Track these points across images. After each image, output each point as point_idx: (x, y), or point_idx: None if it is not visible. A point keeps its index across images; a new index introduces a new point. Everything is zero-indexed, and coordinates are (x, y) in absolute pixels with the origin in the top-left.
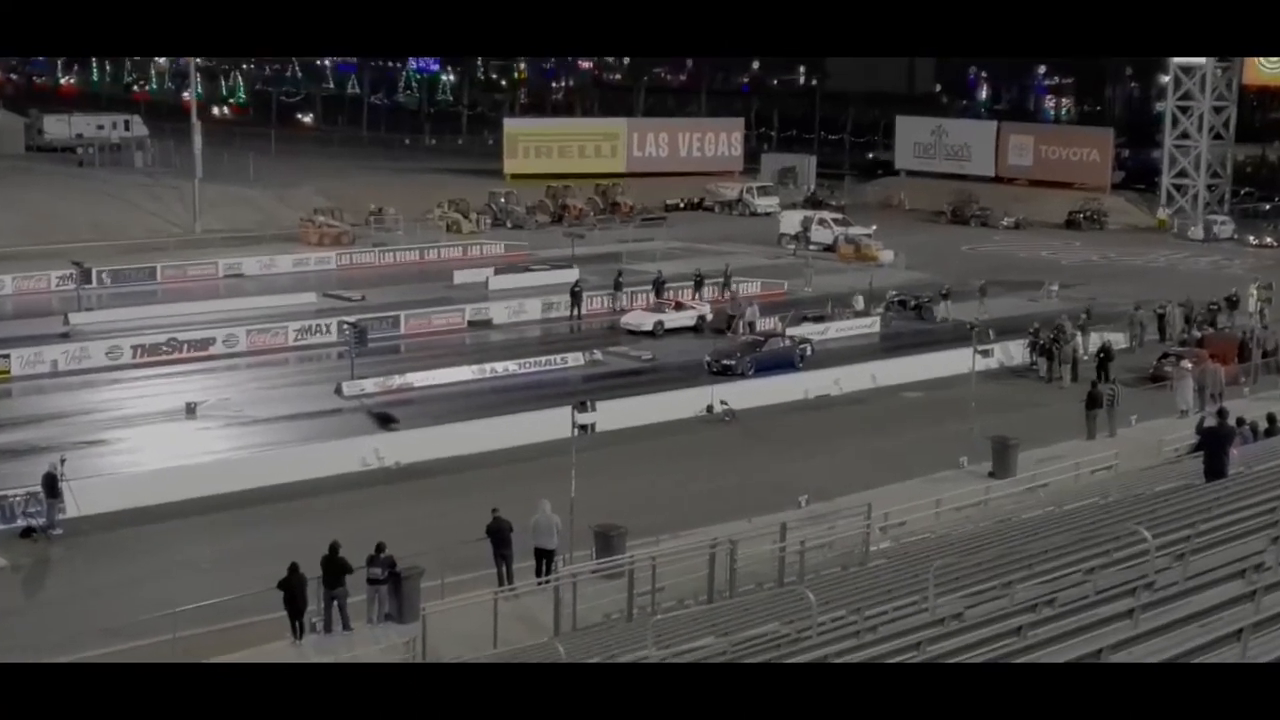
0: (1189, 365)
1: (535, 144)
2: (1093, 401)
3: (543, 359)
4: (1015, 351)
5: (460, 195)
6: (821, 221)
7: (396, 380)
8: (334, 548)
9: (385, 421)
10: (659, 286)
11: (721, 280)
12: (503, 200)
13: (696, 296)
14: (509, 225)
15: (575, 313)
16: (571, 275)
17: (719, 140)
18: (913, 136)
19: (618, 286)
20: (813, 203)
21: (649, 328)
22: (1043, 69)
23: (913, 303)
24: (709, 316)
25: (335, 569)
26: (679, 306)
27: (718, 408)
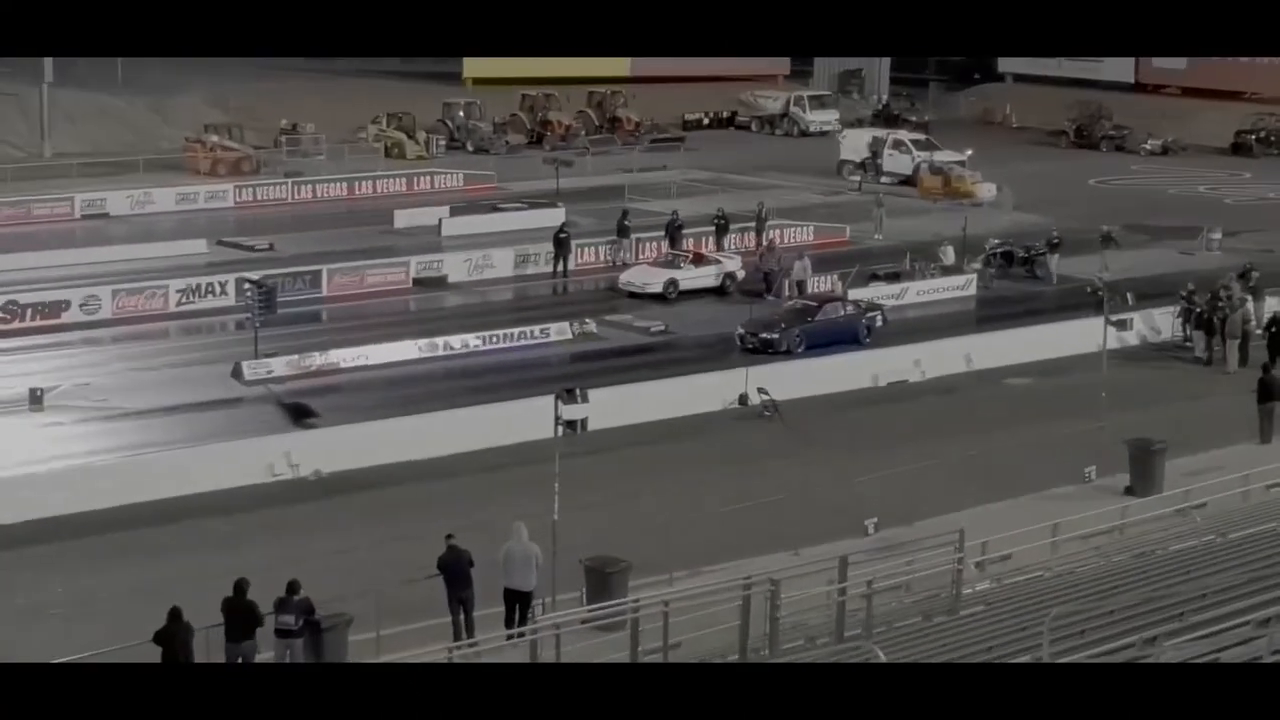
0: None
1: None
2: (1267, 392)
3: (515, 331)
4: (1161, 324)
5: (404, 107)
6: (897, 144)
7: (316, 359)
8: (240, 588)
9: (301, 415)
10: (674, 232)
11: (754, 225)
12: (461, 114)
13: (720, 247)
14: (470, 148)
15: (560, 268)
16: (556, 217)
17: None
18: None
19: (622, 232)
20: (886, 119)
21: (658, 289)
22: None
23: (1022, 255)
24: (740, 274)
25: (241, 617)
26: (699, 260)
27: (754, 398)
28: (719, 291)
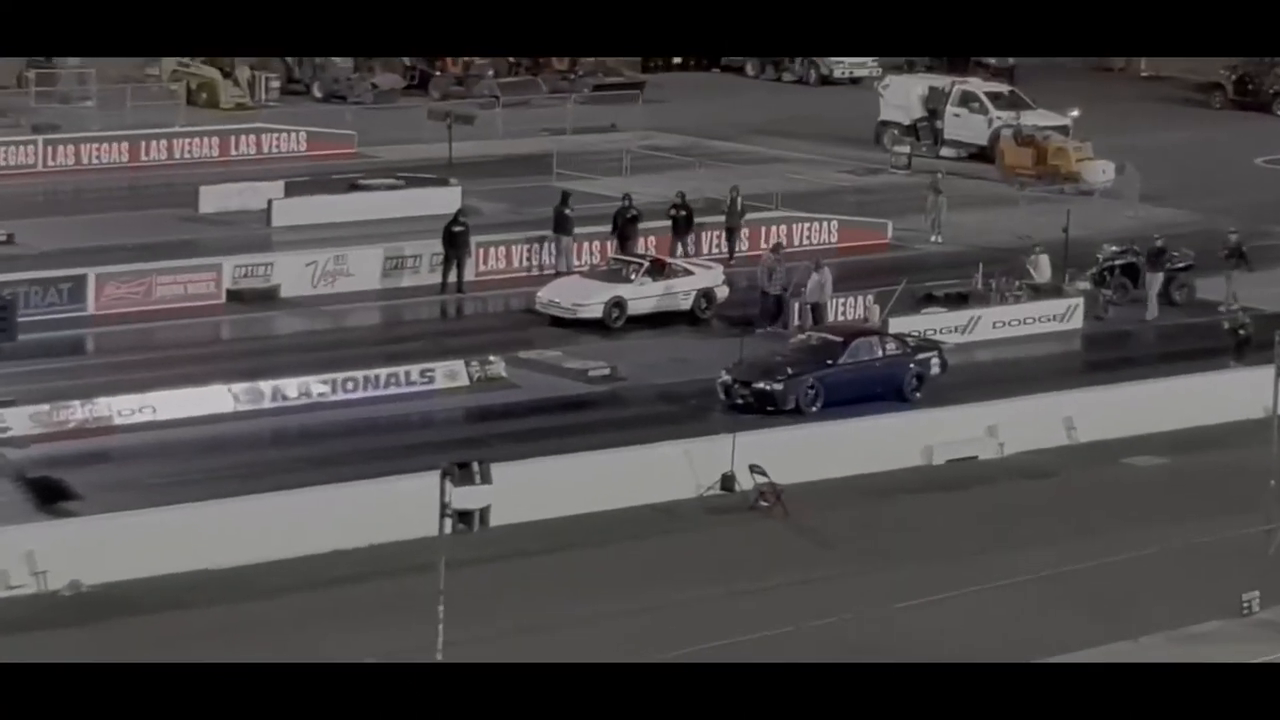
0: None
1: None
2: None
3: (383, 374)
4: None
5: None
6: (967, 99)
7: (76, 412)
8: None
9: (52, 497)
10: (625, 226)
11: (724, 220)
12: None
13: (688, 250)
14: (317, 93)
15: (454, 278)
16: (448, 200)
17: None
18: None
19: (562, 225)
20: (949, 61)
21: (595, 312)
22: None
23: (1168, 268)
24: (722, 291)
25: None
26: (659, 269)
27: (745, 481)
28: (690, 318)
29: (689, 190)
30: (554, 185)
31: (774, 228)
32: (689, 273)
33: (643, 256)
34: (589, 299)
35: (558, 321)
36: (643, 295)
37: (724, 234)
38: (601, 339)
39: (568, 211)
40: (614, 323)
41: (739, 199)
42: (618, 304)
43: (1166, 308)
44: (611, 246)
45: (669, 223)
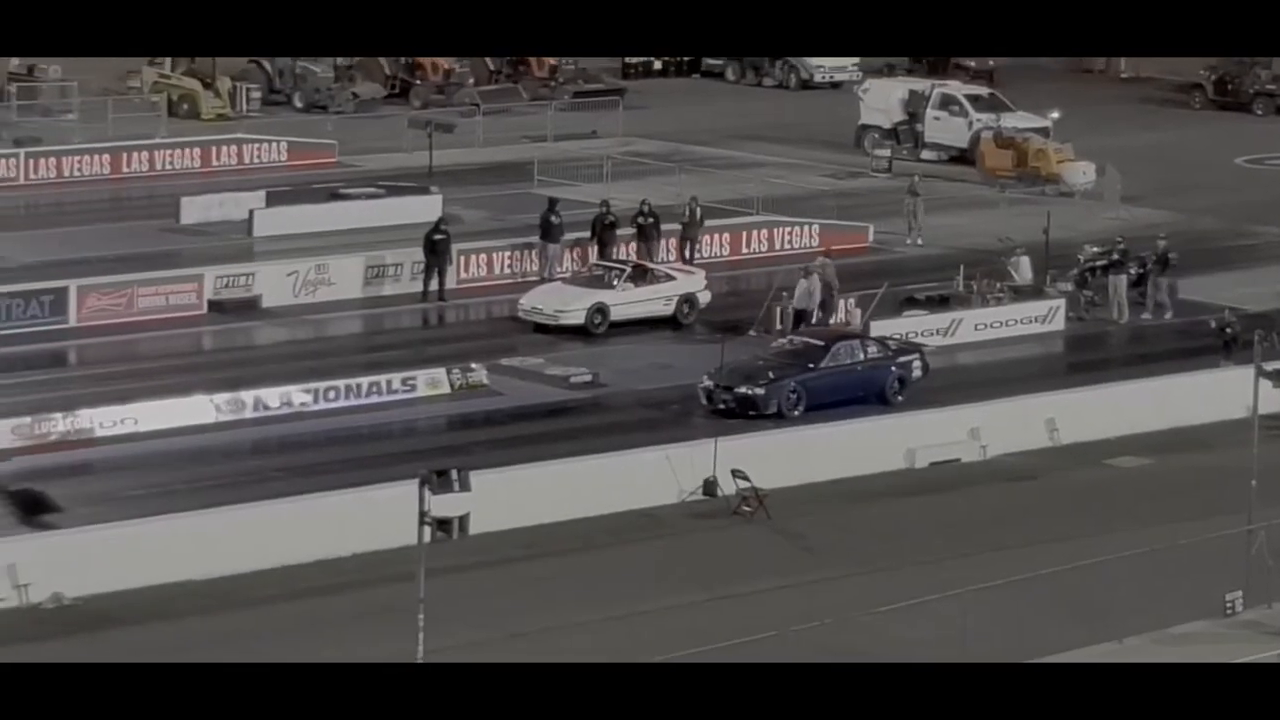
0: None
1: None
2: None
3: (365, 383)
4: None
5: None
6: (947, 102)
7: (58, 424)
8: None
9: (33, 510)
10: (604, 233)
11: (682, 221)
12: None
13: (653, 255)
14: (298, 103)
15: (435, 285)
16: (429, 208)
17: None
18: None
19: (549, 232)
20: (929, 64)
21: (578, 318)
22: None
23: (1134, 270)
24: (703, 296)
25: None
26: (641, 275)
27: (727, 486)
28: (673, 323)
29: (672, 197)
30: (535, 192)
31: (755, 231)
32: (671, 278)
33: (625, 262)
34: (571, 305)
35: (540, 328)
36: (625, 301)
37: (680, 242)
38: (583, 345)
39: (554, 219)
40: (596, 328)
41: (698, 208)
42: (600, 310)
43: (1138, 307)
44: (592, 253)
45: (633, 229)
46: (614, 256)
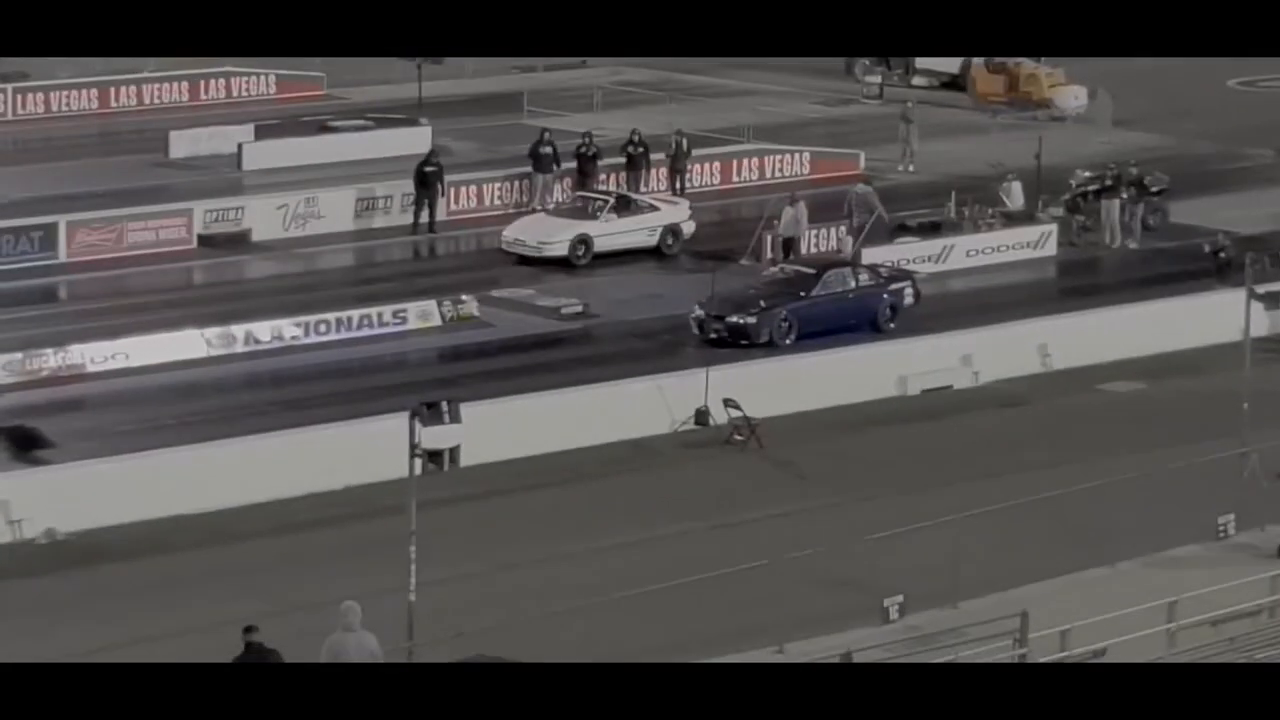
0: None
1: None
2: None
3: (355, 316)
4: None
5: None
6: None
7: (49, 360)
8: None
9: (26, 445)
10: (587, 164)
11: (668, 153)
12: None
13: (640, 186)
14: None
15: (426, 218)
16: (419, 140)
17: None
18: None
19: (541, 163)
20: None
21: (561, 249)
22: None
23: (1133, 193)
24: (688, 227)
25: None
26: (624, 205)
27: (719, 415)
28: (656, 254)
29: (663, 126)
30: (526, 123)
31: (746, 160)
32: (655, 208)
33: (608, 193)
34: (554, 237)
35: (524, 260)
36: (609, 232)
37: (670, 174)
38: (573, 276)
39: (544, 150)
40: (579, 260)
41: (684, 140)
42: (583, 241)
43: (1143, 233)
44: (567, 187)
45: (623, 159)
46: (594, 188)
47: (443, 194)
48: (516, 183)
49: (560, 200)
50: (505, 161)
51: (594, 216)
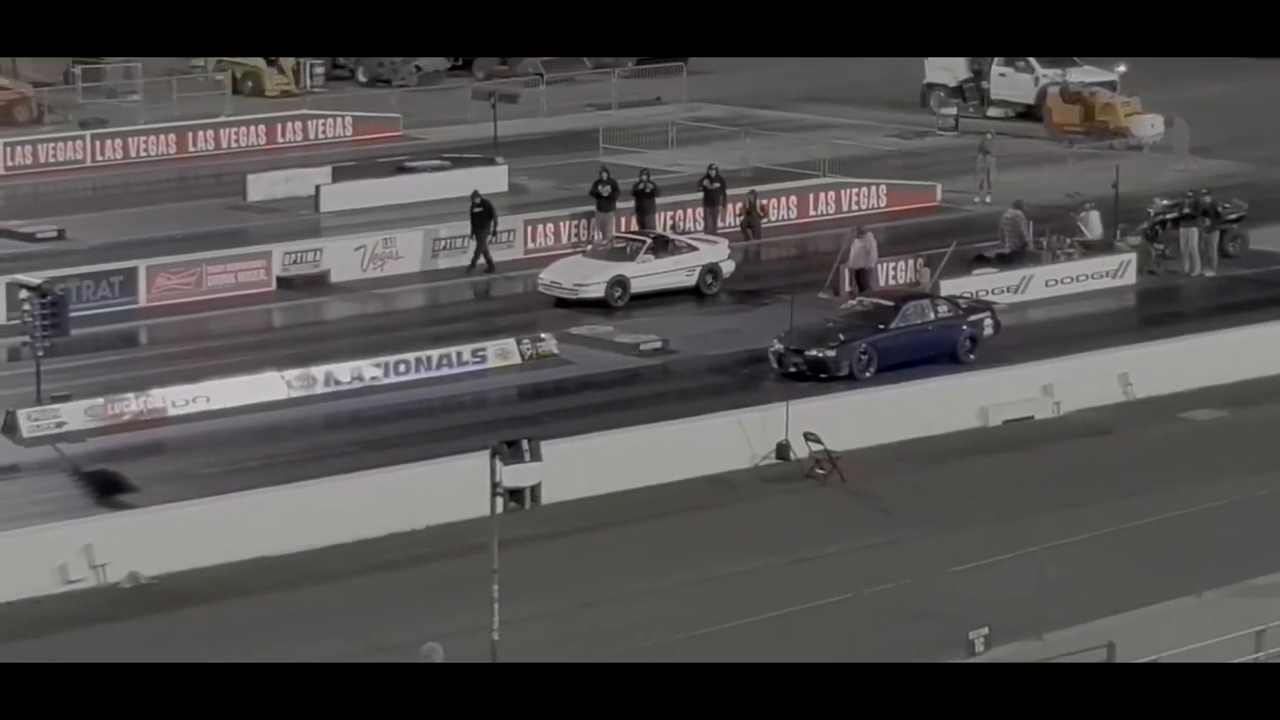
0: None
1: None
2: None
3: (434, 355)
4: None
5: None
6: (1013, 57)
7: (131, 404)
8: None
9: (109, 490)
10: (641, 200)
11: (701, 195)
12: None
13: (715, 223)
14: (362, 77)
15: (482, 261)
16: (494, 180)
17: None
18: None
19: (600, 201)
20: None
21: (598, 291)
22: None
23: (1207, 223)
24: (727, 265)
25: None
26: (662, 246)
27: (800, 449)
28: (696, 293)
29: (738, 161)
30: (601, 161)
31: (822, 194)
32: (694, 248)
33: (645, 234)
34: (590, 279)
35: (561, 302)
36: (646, 273)
37: (704, 206)
38: (652, 313)
39: (603, 189)
40: (617, 301)
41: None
42: (620, 282)
43: (1221, 261)
44: (626, 225)
45: (700, 194)
46: (653, 225)
47: (494, 233)
48: (589, 220)
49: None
50: (581, 199)
51: (631, 258)
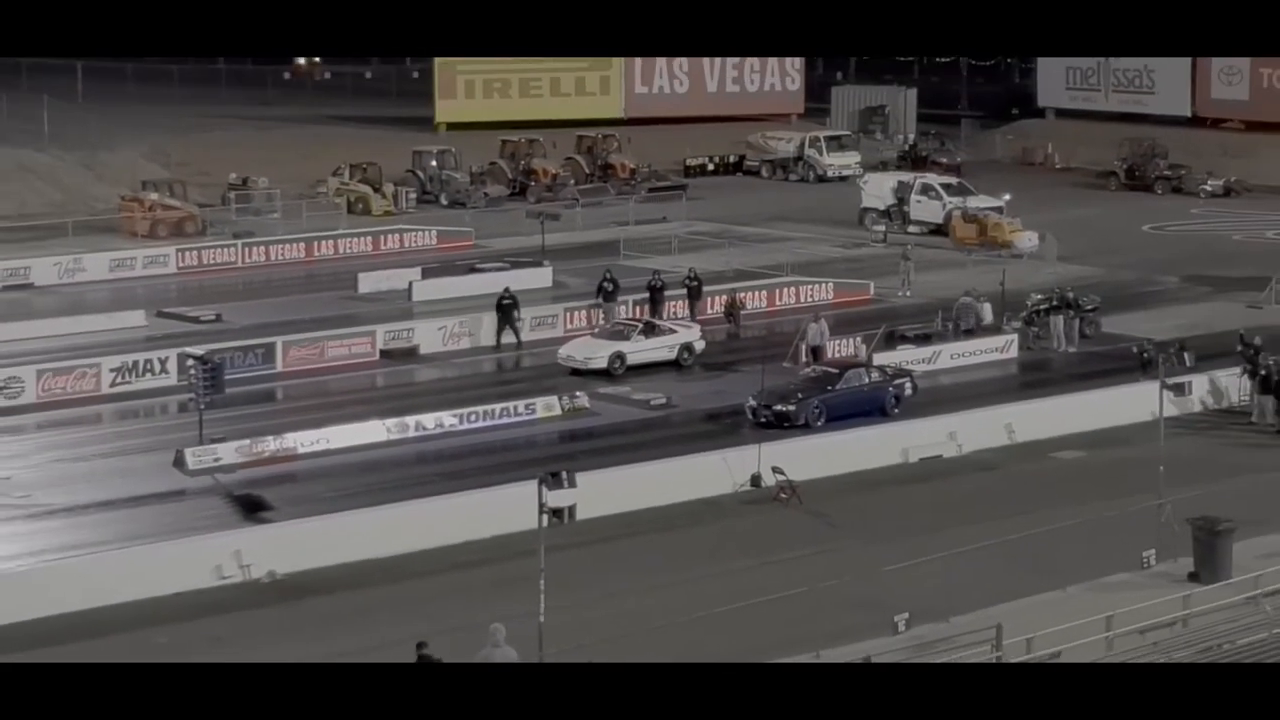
0: None
1: (484, 77)
2: None
3: (497, 408)
4: (1227, 387)
5: (368, 157)
6: (926, 189)
7: (270, 444)
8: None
9: (253, 509)
10: (656, 295)
11: (688, 286)
12: (434, 163)
13: (696, 312)
14: (444, 201)
15: (509, 338)
16: (542, 278)
17: (767, 69)
18: (1065, 60)
19: (605, 294)
20: (913, 160)
21: (601, 363)
22: None
23: (1070, 312)
24: (699, 344)
25: None
26: (650, 329)
27: (769, 479)
28: (677, 365)
29: (721, 264)
30: (621, 263)
31: (786, 289)
32: (674, 331)
33: (637, 320)
34: (596, 354)
35: (575, 372)
36: (638, 349)
37: (688, 301)
38: (660, 379)
39: (607, 285)
40: (616, 371)
41: (699, 281)
42: (619, 356)
43: (1081, 341)
44: (642, 312)
45: (684, 290)
46: (664, 313)
47: (520, 319)
48: (600, 309)
49: (620, 322)
50: (597, 293)
51: (626, 338)
